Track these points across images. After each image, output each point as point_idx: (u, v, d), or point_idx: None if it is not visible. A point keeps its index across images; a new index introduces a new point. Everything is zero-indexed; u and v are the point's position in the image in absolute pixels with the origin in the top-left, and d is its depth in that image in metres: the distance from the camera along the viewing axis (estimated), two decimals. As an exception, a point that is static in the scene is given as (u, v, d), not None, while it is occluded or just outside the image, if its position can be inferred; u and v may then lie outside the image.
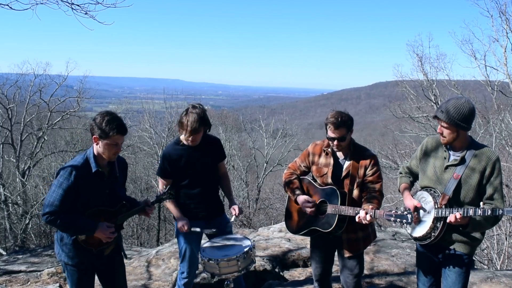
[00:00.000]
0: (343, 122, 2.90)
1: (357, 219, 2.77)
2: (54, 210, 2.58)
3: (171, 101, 22.06)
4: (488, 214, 2.46)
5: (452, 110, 2.55)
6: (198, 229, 3.19)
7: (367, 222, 2.74)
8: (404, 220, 2.60)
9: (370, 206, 2.79)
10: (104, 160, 2.74)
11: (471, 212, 2.50)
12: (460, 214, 2.50)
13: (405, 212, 2.61)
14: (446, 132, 2.61)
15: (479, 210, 2.48)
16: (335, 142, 2.95)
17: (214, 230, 3.11)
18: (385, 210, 2.74)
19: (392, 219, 2.63)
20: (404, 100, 18.04)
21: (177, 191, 3.30)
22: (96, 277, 2.98)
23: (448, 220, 2.55)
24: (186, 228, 3.24)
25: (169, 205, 3.34)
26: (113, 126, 2.60)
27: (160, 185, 3.37)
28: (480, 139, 13.40)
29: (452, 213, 2.54)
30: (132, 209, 2.91)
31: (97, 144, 2.68)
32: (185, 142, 3.25)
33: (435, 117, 2.63)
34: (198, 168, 3.30)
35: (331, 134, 2.94)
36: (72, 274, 2.85)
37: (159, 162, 3.39)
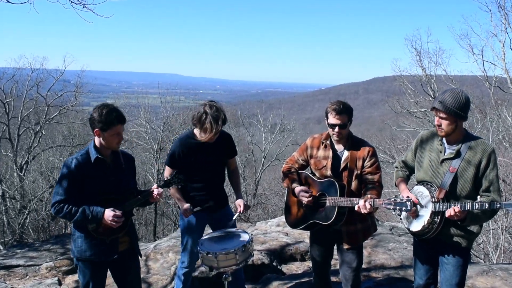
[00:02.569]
0: (345, 109, 2.94)
1: (356, 208, 2.77)
2: (60, 198, 2.69)
3: (166, 95, 21.98)
4: (486, 207, 2.46)
5: (449, 100, 2.55)
6: (198, 207, 3.31)
7: (366, 211, 2.74)
8: (404, 208, 2.60)
9: (369, 196, 2.80)
10: (106, 150, 2.80)
11: (468, 206, 2.49)
12: (459, 208, 2.50)
13: (404, 200, 2.61)
14: (444, 123, 2.60)
15: (476, 203, 2.48)
16: (336, 129, 2.93)
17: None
18: (384, 199, 2.74)
19: (392, 207, 2.63)
20: (402, 95, 18.06)
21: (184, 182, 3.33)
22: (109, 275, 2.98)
23: (447, 215, 2.55)
24: (189, 212, 3.29)
25: (172, 192, 3.35)
26: (112, 117, 2.67)
27: (166, 173, 3.38)
28: (477, 134, 13.43)
29: (449, 207, 2.54)
30: (138, 196, 2.93)
31: (99, 137, 2.75)
32: (200, 139, 3.24)
33: (433, 108, 2.63)
34: (208, 163, 3.34)
35: (333, 120, 2.93)
36: (84, 270, 2.85)
37: (169, 152, 3.40)
